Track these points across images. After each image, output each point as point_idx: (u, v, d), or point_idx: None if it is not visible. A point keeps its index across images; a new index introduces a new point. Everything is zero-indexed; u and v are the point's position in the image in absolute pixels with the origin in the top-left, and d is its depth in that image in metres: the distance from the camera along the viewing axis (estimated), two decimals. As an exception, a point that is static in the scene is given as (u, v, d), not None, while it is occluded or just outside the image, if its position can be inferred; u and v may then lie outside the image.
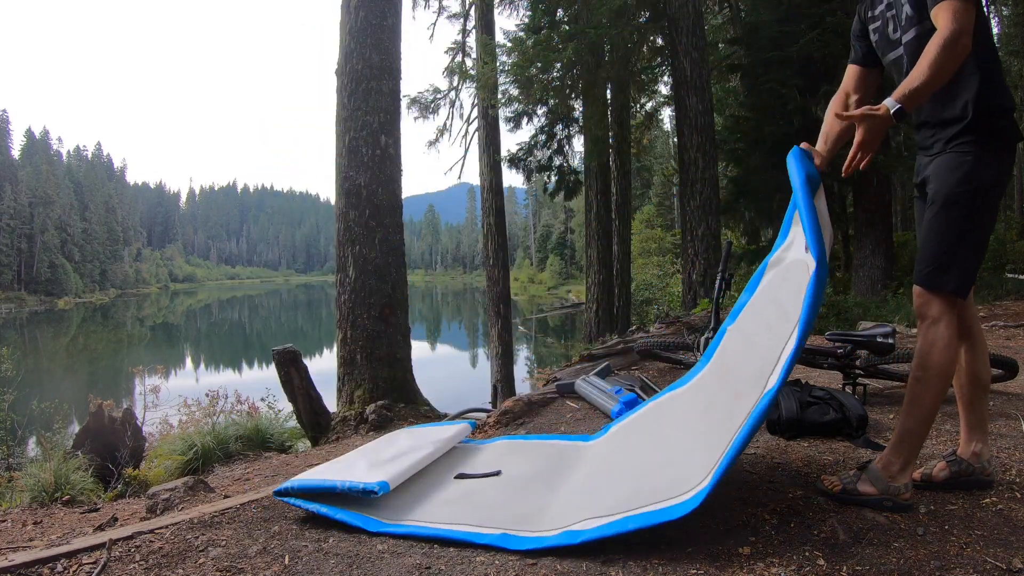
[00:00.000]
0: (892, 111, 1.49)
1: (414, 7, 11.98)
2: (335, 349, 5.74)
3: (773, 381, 1.51)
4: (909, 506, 1.60)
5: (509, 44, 9.12)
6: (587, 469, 2.00)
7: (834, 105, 1.85)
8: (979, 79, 1.58)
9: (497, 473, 2.05)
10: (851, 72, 1.87)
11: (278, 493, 1.87)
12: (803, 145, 1.78)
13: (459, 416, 4.18)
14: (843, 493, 1.64)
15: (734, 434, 1.52)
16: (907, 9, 1.65)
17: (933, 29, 1.52)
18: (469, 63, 11.90)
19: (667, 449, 1.87)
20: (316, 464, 3.70)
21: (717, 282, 3.12)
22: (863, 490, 1.62)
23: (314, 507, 1.77)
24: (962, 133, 1.59)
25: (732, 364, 1.89)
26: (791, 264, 1.78)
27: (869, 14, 1.81)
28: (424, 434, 2.36)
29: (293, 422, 5.48)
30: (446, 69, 12.13)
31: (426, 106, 11.65)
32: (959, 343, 1.66)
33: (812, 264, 1.51)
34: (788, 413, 2.30)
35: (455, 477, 2.06)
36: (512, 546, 1.51)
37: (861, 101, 1.84)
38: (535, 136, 11.36)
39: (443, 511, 1.78)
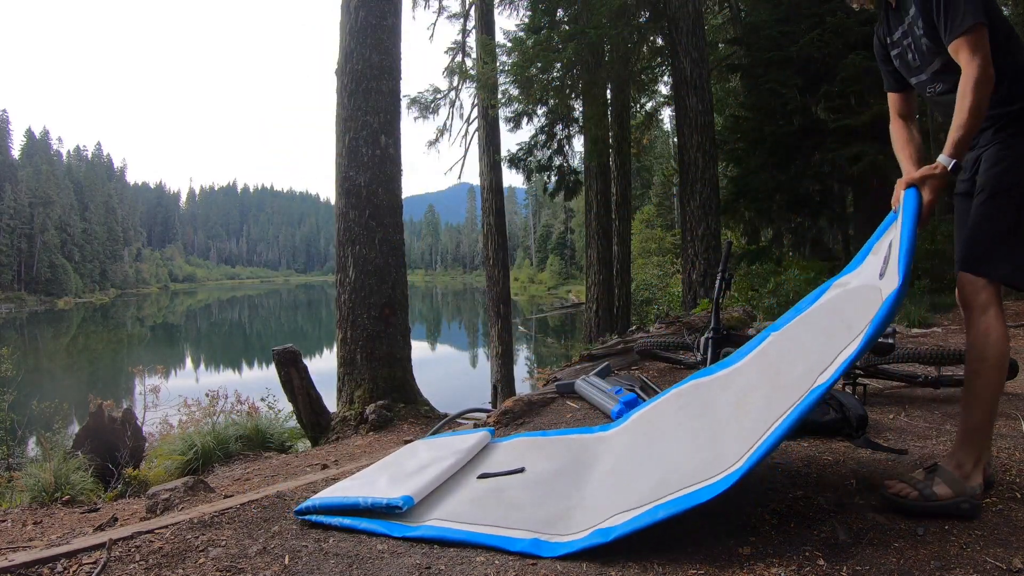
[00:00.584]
0: (949, 167, 1.54)
1: (414, 7, 11.98)
2: (335, 349, 5.74)
3: (825, 377, 1.48)
4: (980, 507, 1.55)
5: (509, 44, 9.14)
6: (611, 461, 1.97)
7: (898, 136, 1.83)
8: (1009, 77, 1.58)
9: (521, 470, 2.01)
10: (894, 100, 1.87)
11: (299, 512, 1.84)
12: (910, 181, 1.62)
13: (459, 416, 4.18)
14: (921, 499, 1.55)
15: (775, 422, 1.49)
16: (925, 41, 1.66)
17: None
18: (469, 63, 11.89)
19: (695, 435, 1.83)
20: (316, 464, 3.73)
21: (717, 282, 3.12)
22: (940, 493, 1.54)
23: (337, 521, 1.76)
24: (1008, 125, 1.60)
25: (776, 362, 1.85)
26: (860, 288, 1.75)
27: (888, 40, 1.81)
28: (444, 445, 2.32)
29: (293, 422, 5.49)
30: (446, 69, 12.12)
31: (426, 106, 11.64)
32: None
33: (896, 280, 1.47)
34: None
35: (478, 477, 2.01)
36: (545, 553, 1.47)
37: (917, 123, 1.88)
38: (535, 136, 11.37)
39: (468, 509, 1.75)
